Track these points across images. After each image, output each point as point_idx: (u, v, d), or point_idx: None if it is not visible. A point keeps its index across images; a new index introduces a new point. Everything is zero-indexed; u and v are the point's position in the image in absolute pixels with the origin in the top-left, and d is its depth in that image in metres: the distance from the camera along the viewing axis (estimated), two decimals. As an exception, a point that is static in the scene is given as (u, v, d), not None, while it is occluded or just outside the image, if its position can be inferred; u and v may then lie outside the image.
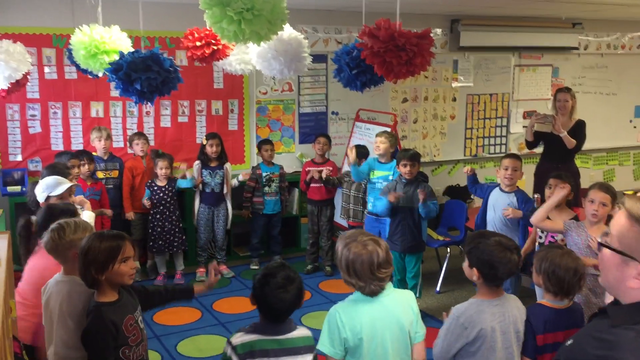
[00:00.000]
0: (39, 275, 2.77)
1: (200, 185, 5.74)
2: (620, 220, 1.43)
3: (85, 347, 2.46)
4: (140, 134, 5.76)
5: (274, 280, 2.32)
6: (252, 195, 6.00)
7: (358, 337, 2.37)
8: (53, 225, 2.68)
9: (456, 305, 2.62)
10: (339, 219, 6.12)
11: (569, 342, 1.50)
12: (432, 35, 3.41)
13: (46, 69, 5.63)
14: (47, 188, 3.58)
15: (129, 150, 5.81)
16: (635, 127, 8.70)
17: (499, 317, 2.56)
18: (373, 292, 2.40)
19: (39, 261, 2.89)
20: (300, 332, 2.41)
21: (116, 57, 3.69)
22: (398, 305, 2.47)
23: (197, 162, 5.78)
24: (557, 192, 3.76)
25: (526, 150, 6.85)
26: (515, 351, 2.61)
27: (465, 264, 2.61)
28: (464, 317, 2.54)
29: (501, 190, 4.68)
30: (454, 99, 7.51)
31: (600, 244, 1.48)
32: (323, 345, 2.40)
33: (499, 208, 4.61)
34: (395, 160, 5.28)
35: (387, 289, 2.45)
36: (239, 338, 2.31)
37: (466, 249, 2.60)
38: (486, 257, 2.49)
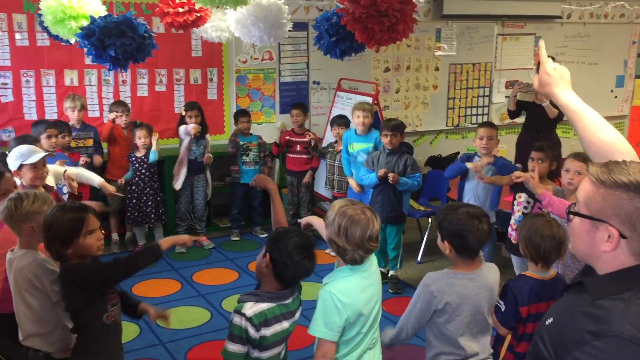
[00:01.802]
0: None
1: (186, 152, 5.62)
2: (585, 186, 1.44)
3: (73, 296, 2.40)
4: (120, 103, 5.61)
5: (295, 243, 2.34)
6: (234, 158, 5.90)
7: (358, 312, 2.32)
8: (12, 195, 2.61)
9: (429, 273, 2.61)
10: (322, 189, 6.07)
11: (549, 320, 1.47)
12: (414, 1, 3.33)
13: (17, 36, 5.45)
14: (20, 156, 3.45)
15: (106, 120, 5.67)
16: (616, 97, 8.72)
17: (472, 290, 2.52)
18: (354, 261, 2.34)
19: None
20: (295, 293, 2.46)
21: (85, 23, 3.54)
22: (377, 273, 2.48)
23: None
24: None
25: (508, 120, 6.85)
26: (487, 323, 2.60)
27: (439, 240, 2.58)
28: (434, 285, 2.52)
29: (478, 157, 4.68)
30: (437, 69, 7.44)
31: (570, 212, 1.47)
32: (317, 330, 2.31)
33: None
34: (375, 131, 5.22)
35: (367, 259, 2.42)
36: (251, 309, 2.28)
37: (436, 222, 2.57)
38: (455, 227, 2.47)
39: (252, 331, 2.27)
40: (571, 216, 1.47)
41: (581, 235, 1.44)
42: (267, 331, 2.29)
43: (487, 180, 4.38)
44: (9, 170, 3.32)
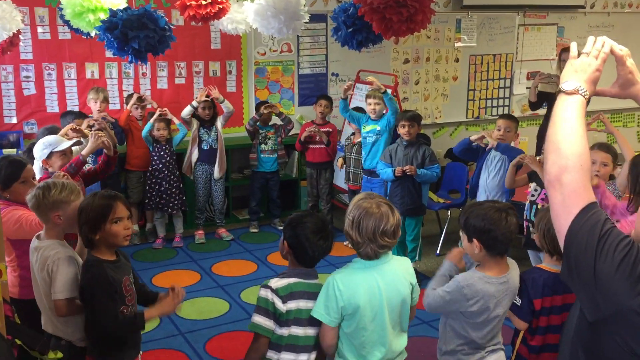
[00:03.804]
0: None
1: (197, 141, 5.66)
2: None
3: (84, 301, 2.47)
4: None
5: (311, 225, 2.39)
6: (252, 137, 5.89)
7: (355, 306, 2.32)
8: (40, 184, 2.66)
9: (461, 275, 2.53)
10: (341, 182, 6.07)
11: None
12: (433, -9, 3.30)
13: (39, 29, 5.51)
14: (49, 145, 3.53)
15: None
16: (640, 88, 8.55)
17: (503, 294, 2.50)
18: (368, 256, 2.34)
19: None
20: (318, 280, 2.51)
21: (103, 16, 3.57)
22: (397, 274, 2.41)
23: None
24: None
25: (529, 112, 6.77)
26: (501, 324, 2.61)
27: (465, 241, 2.51)
28: (468, 289, 2.45)
29: (493, 149, 4.69)
30: (457, 60, 7.37)
31: None
32: (317, 312, 2.35)
33: (490, 167, 4.64)
34: (385, 115, 5.25)
35: (386, 256, 2.40)
36: (278, 282, 2.36)
37: (461, 222, 2.51)
38: (481, 222, 2.41)
39: (279, 303, 2.32)
40: None
41: None
42: (293, 304, 2.35)
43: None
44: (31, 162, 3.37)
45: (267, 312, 2.34)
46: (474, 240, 2.44)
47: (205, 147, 5.69)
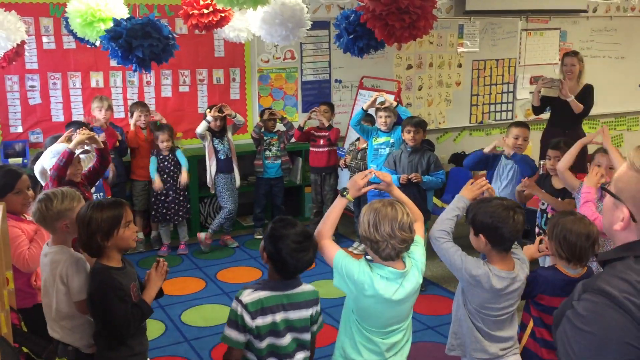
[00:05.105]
0: None
1: (214, 153, 5.66)
2: (621, 167, 1.47)
3: (95, 307, 2.49)
4: (140, 104, 5.69)
5: (292, 240, 2.32)
6: (258, 144, 5.91)
7: (363, 296, 2.36)
8: (40, 196, 2.68)
9: (479, 269, 2.56)
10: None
11: None
12: (436, -1, 3.31)
13: (44, 39, 5.55)
14: (57, 154, 3.54)
15: (131, 121, 5.75)
16: (643, 91, 8.55)
17: (508, 291, 2.54)
18: (389, 256, 2.33)
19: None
20: (306, 287, 2.47)
21: (111, 25, 3.60)
22: (409, 295, 2.43)
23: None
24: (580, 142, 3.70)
25: (533, 117, 6.76)
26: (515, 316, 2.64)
27: (472, 235, 2.56)
28: (482, 279, 2.50)
29: (505, 157, 4.63)
30: (460, 65, 7.38)
31: (602, 188, 1.51)
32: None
33: (502, 175, 4.59)
34: (397, 127, 5.26)
35: (407, 271, 2.40)
36: (248, 296, 2.32)
37: (469, 217, 2.55)
38: (489, 219, 2.45)
39: (247, 319, 2.29)
40: (604, 192, 1.50)
41: (606, 211, 1.47)
42: (264, 319, 2.32)
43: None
44: (26, 173, 3.37)
45: (237, 325, 2.31)
46: (481, 235, 2.50)
47: (222, 157, 5.68)
